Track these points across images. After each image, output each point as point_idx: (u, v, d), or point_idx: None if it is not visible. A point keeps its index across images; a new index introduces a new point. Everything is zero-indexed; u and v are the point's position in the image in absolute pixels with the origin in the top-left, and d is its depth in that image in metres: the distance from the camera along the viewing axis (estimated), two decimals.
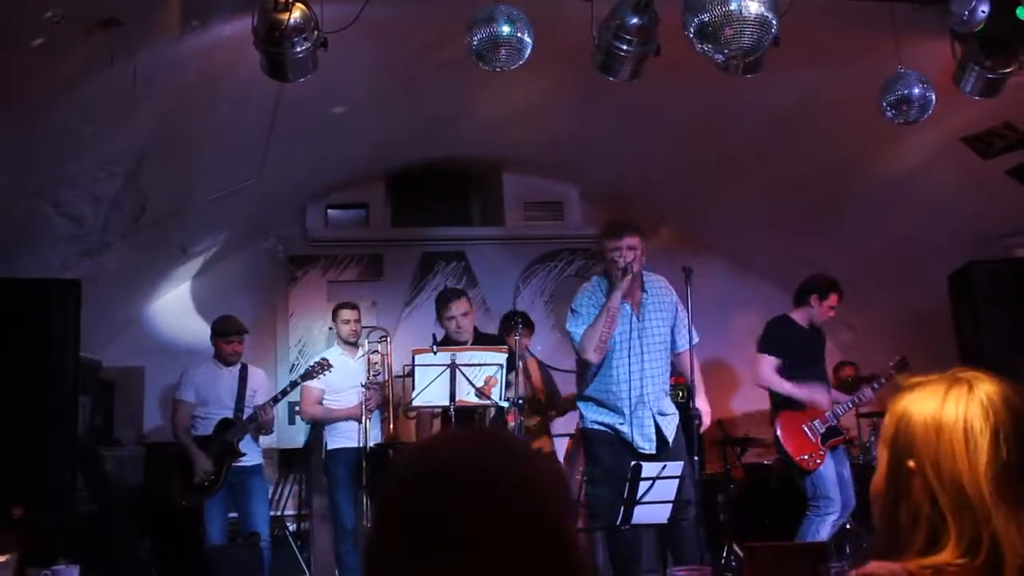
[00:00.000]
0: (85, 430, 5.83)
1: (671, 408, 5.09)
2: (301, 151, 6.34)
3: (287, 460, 7.08)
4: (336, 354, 6.32)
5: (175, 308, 7.47)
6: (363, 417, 5.97)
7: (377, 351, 6.18)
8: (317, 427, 6.52)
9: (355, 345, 6.32)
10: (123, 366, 6.95)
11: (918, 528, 1.32)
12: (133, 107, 4.67)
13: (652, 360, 5.01)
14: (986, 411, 1.32)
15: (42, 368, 4.89)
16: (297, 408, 7.10)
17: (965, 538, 1.28)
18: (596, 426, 5.06)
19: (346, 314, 6.34)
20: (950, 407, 1.34)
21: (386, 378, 6.12)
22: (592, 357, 4.94)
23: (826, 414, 5.70)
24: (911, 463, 1.34)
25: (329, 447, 6.20)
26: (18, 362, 4.83)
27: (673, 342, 5.14)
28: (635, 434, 4.94)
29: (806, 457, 5.61)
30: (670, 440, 4.98)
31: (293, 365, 7.28)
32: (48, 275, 5.24)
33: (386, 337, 6.26)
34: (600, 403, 5.06)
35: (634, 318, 5.01)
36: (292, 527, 6.82)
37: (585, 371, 5.13)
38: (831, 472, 5.61)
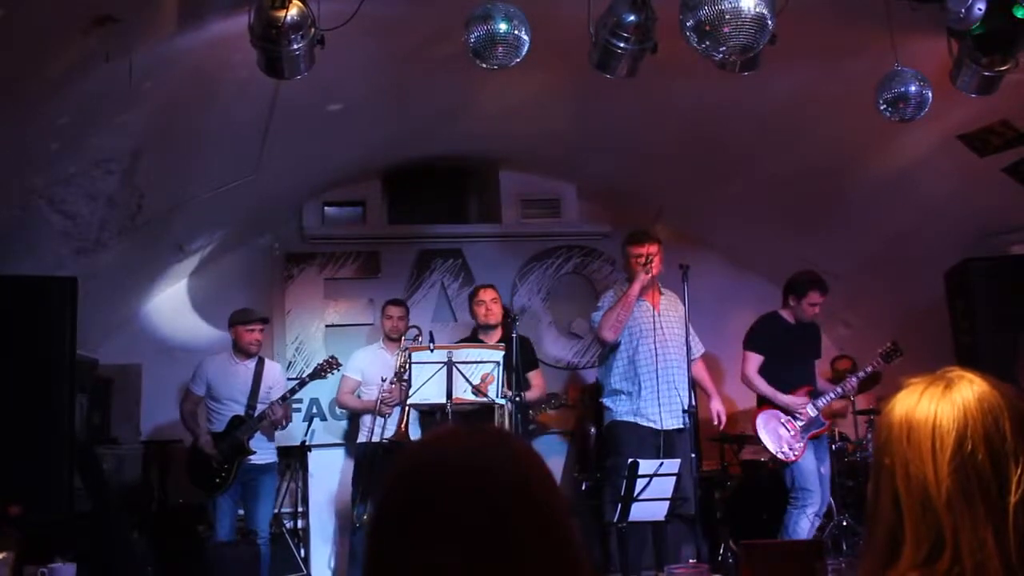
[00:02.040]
0: (82, 428, 5.83)
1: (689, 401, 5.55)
2: (298, 148, 6.33)
3: (284, 458, 7.07)
4: (375, 348, 6.59)
5: (172, 306, 7.45)
6: (376, 409, 6.12)
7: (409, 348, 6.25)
8: (354, 418, 6.72)
9: (398, 341, 6.40)
10: (120, 364, 6.94)
11: (883, 533, 1.32)
12: (129, 105, 4.65)
13: (674, 348, 5.63)
14: (957, 409, 1.30)
15: (39, 366, 4.89)
16: (295, 406, 7.16)
17: (924, 545, 1.26)
18: (624, 418, 5.61)
19: (391, 310, 6.56)
20: (923, 405, 1.33)
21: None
22: (607, 335, 5.72)
23: (807, 407, 5.79)
24: (887, 462, 1.34)
25: (357, 440, 6.47)
26: (14, 360, 4.83)
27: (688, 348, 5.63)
28: (663, 412, 5.51)
29: (785, 450, 5.72)
30: (686, 425, 5.49)
31: (290, 362, 7.28)
32: (44, 273, 5.22)
33: (420, 336, 6.32)
34: (626, 393, 5.63)
35: (655, 313, 5.69)
36: (289, 524, 6.83)
37: (610, 364, 5.75)
38: (811, 465, 5.74)
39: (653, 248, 5.66)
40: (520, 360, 5.75)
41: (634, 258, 5.69)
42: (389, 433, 6.12)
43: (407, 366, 5.72)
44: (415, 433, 6.06)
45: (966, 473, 1.27)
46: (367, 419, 6.30)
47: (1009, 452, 1.27)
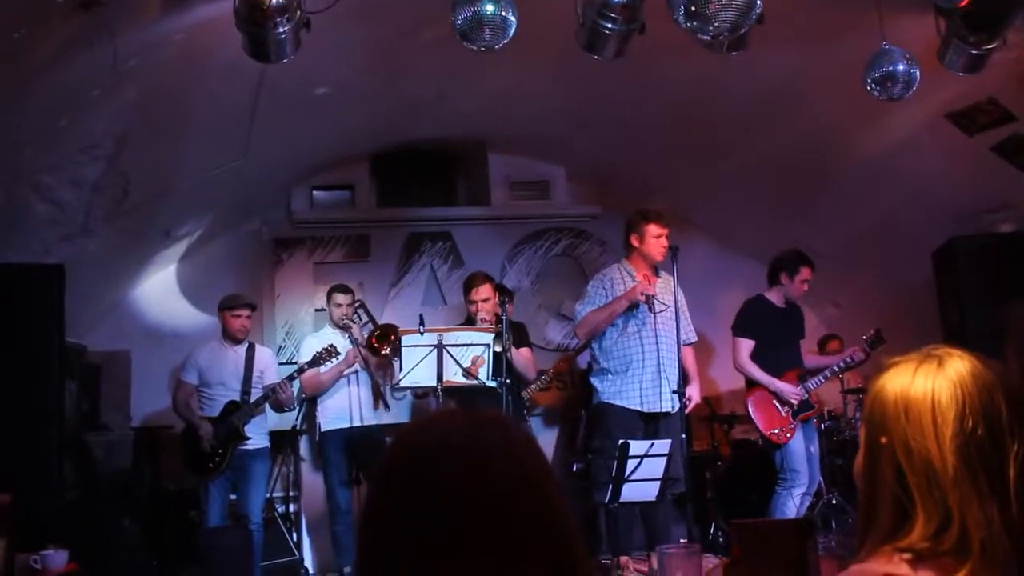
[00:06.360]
0: (72, 415, 5.81)
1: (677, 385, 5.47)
2: (285, 132, 6.29)
3: (276, 442, 7.07)
4: (327, 333, 6.48)
5: (160, 291, 7.43)
6: (356, 356, 6.20)
7: (356, 324, 6.41)
8: (311, 408, 6.59)
9: (346, 328, 6.37)
10: (109, 350, 6.92)
11: (887, 507, 1.33)
12: (113, 90, 4.62)
13: (665, 332, 5.48)
14: (954, 385, 1.32)
15: (27, 354, 4.87)
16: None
17: (934, 519, 1.28)
18: (610, 399, 5.51)
19: (339, 298, 6.45)
20: (919, 383, 1.35)
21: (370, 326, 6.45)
22: (580, 335, 5.74)
23: (798, 388, 5.82)
24: (883, 440, 1.35)
25: (322, 429, 6.35)
26: (3, 348, 4.81)
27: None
28: (649, 395, 5.44)
29: (777, 431, 5.79)
30: (674, 409, 5.43)
31: (280, 347, 7.27)
32: (30, 260, 5.19)
33: (362, 304, 6.54)
34: (613, 372, 5.52)
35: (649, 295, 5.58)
36: (281, 508, 6.84)
37: (600, 343, 5.61)
38: (800, 446, 5.78)
39: (666, 230, 5.54)
40: (510, 339, 5.76)
41: (654, 237, 5.52)
42: (367, 416, 6.22)
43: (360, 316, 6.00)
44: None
45: (968, 449, 1.29)
46: (334, 406, 6.31)
47: (1006, 427, 1.30)
